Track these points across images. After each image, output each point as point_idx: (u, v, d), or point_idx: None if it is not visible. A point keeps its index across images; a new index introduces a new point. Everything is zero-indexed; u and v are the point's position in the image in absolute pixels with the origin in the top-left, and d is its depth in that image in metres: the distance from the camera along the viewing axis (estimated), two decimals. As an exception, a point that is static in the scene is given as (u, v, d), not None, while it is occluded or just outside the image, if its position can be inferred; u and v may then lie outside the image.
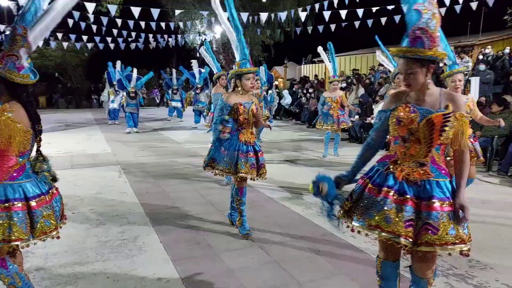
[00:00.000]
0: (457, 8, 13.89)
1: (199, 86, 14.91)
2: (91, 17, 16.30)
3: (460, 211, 2.32)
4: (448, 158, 2.96)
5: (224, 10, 4.49)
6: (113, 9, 15.99)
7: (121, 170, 7.83)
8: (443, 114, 2.29)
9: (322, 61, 24.72)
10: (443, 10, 13.81)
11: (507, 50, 12.69)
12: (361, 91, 13.28)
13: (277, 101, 13.12)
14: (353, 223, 2.53)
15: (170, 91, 17.32)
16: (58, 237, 2.67)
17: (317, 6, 16.33)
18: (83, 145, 11.04)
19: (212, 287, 3.42)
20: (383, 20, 15.87)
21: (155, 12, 15.87)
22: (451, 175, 2.44)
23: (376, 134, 2.62)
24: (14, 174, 2.55)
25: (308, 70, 25.76)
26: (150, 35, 20.86)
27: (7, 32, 19.91)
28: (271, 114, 11.31)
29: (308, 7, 17.18)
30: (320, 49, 9.34)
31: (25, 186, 2.56)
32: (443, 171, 2.40)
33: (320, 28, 18.00)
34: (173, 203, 5.70)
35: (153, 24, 17.93)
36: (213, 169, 4.45)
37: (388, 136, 2.65)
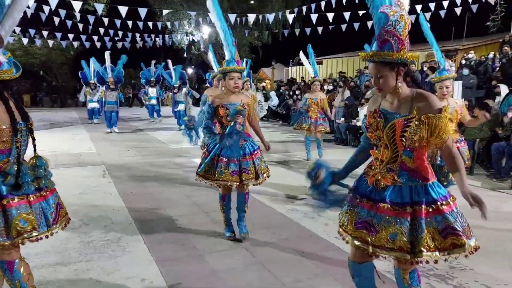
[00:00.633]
0: (442, 13, 14.09)
1: (176, 86, 14.89)
2: (78, 15, 16.16)
3: (473, 202, 2.31)
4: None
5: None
6: (100, 8, 15.88)
7: (106, 170, 7.79)
8: (405, 119, 2.27)
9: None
10: (428, 14, 13.99)
11: (491, 55, 12.89)
12: (347, 93, 13.37)
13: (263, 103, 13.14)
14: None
15: (147, 87, 17.01)
16: (37, 240, 2.56)
17: (304, 8, 16.43)
18: (67, 145, 10.94)
19: (196, 288, 3.42)
20: (370, 23, 16.00)
21: (143, 11, 15.80)
22: (429, 178, 2.37)
23: (366, 138, 2.64)
24: None
25: (295, 72, 25.88)
26: (137, 35, 20.76)
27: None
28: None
29: (296, 10, 17.25)
30: (301, 53, 9.39)
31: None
32: (416, 175, 2.35)
33: (308, 30, 18.10)
34: (158, 204, 5.68)
35: (140, 24, 17.85)
36: (207, 180, 4.19)
37: None
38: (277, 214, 5.35)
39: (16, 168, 2.60)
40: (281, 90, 19.39)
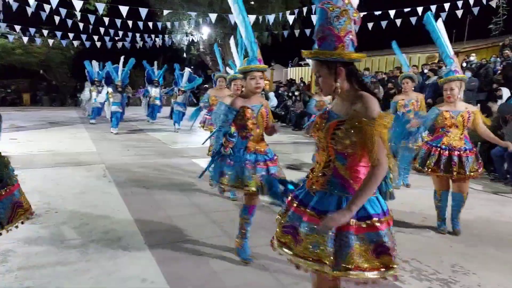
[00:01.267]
0: (443, 15, 14.10)
1: (182, 89, 14.61)
2: (78, 14, 16.15)
3: (324, 224, 2.03)
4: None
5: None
6: (101, 7, 15.87)
7: (106, 169, 7.76)
8: (338, 121, 2.14)
9: (308, 64, 24.88)
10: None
11: (493, 59, 12.90)
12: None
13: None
14: None
15: (150, 87, 16.84)
16: None
17: (304, 9, 16.43)
18: (67, 144, 10.91)
19: (197, 289, 3.40)
20: (370, 25, 16.04)
21: (143, 11, 15.79)
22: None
23: None
24: None
25: (294, 73, 25.87)
26: (137, 35, 20.75)
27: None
28: None
29: (296, 11, 17.26)
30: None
31: None
32: (346, 185, 2.17)
33: (308, 31, 18.10)
34: (158, 204, 5.66)
35: (140, 24, 17.83)
36: (222, 185, 3.83)
37: None
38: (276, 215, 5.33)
39: None
40: (280, 91, 19.38)
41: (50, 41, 21.38)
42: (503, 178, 7.42)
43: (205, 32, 23.68)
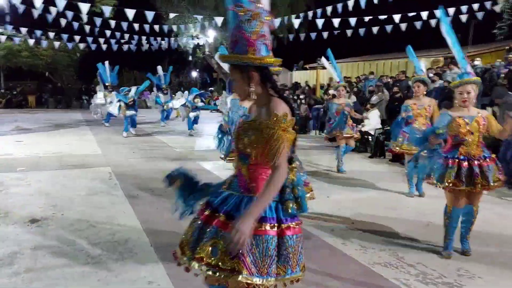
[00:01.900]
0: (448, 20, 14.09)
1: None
2: (85, 17, 16.24)
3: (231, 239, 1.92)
4: None
5: None
6: (107, 10, 15.95)
7: (112, 172, 7.79)
8: (244, 121, 2.19)
9: (313, 68, 24.91)
10: (433, 21, 14.02)
11: (497, 63, 12.88)
12: (353, 98, 13.38)
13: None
14: None
15: (160, 93, 16.99)
16: None
17: (310, 13, 16.46)
18: (73, 146, 10.97)
19: (203, 291, 3.41)
20: (375, 29, 16.06)
21: (150, 14, 15.85)
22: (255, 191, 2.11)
23: None
24: None
25: (299, 76, 25.87)
26: (143, 37, 20.83)
27: (1, 30, 19.64)
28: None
29: (302, 15, 17.27)
30: (323, 59, 9.03)
31: None
32: (245, 185, 2.14)
33: (313, 35, 18.13)
34: (164, 206, 5.67)
35: (146, 27, 17.90)
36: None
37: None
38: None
39: None
40: (285, 95, 19.38)
41: (56, 44, 21.49)
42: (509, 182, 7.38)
43: (211, 35, 23.73)
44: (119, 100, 13.88)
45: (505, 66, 12.11)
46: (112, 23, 17.23)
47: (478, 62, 13.56)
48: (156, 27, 18.69)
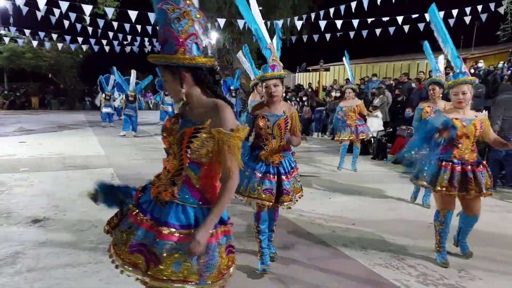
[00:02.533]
0: (451, 21, 14.09)
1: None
2: (88, 19, 16.31)
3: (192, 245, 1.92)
4: None
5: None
6: (110, 11, 16.00)
7: (114, 173, 7.82)
8: (194, 128, 2.01)
9: (316, 70, 24.95)
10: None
11: (500, 65, 12.87)
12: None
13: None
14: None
15: (162, 93, 17.19)
16: None
17: (313, 15, 16.48)
18: (75, 147, 11.01)
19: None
20: (378, 31, 16.06)
21: (152, 16, 15.89)
22: (211, 202, 2.07)
23: None
24: None
25: (302, 78, 25.91)
26: (146, 39, 20.89)
27: (2, 32, 19.75)
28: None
29: (304, 16, 17.29)
30: (344, 59, 8.89)
31: None
32: (199, 195, 2.06)
33: (316, 37, 18.14)
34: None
35: (149, 28, 17.96)
36: (237, 194, 3.63)
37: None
38: (283, 219, 5.35)
39: None
40: (287, 97, 19.41)
41: (59, 45, 21.56)
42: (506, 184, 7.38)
43: (214, 37, 23.78)
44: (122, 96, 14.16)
45: (509, 68, 12.11)
46: (115, 24, 17.29)
47: (481, 64, 13.56)
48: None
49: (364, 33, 16.35)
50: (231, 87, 16.51)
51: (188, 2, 1.96)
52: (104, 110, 16.83)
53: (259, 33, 3.74)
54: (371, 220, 5.38)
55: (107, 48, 20.58)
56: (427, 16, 14.12)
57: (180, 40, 1.95)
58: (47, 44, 21.64)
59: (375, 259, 4.15)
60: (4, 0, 17.95)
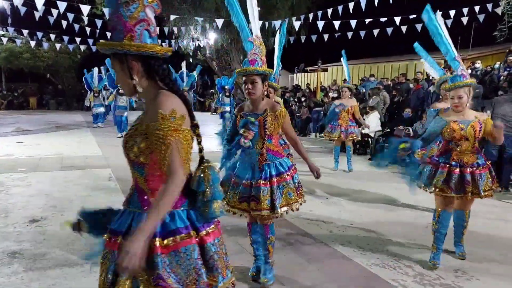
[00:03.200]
0: (448, 22, 14.11)
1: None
2: (86, 19, 16.28)
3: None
4: None
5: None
6: (108, 12, 15.98)
7: (112, 173, 7.81)
8: (134, 125, 1.91)
9: (314, 70, 24.95)
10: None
11: (497, 65, 12.89)
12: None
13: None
14: None
15: None
16: None
17: (311, 16, 16.48)
18: (73, 147, 11.00)
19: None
20: (376, 31, 16.07)
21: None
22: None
23: None
24: None
25: (300, 79, 25.93)
26: (144, 39, 20.87)
27: (0, 32, 19.71)
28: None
29: (302, 17, 17.30)
30: (342, 59, 8.89)
31: None
32: (143, 199, 1.87)
33: (314, 37, 18.14)
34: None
35: (147, 29, 17.94)
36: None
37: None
38: (282, 220, 5.36)
39: None
40: (285, 97, 19.43)
41: (57, 45, 21.53)
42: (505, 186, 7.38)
43: (212, 37, 23.77)
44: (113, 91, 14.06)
45: (505, 68, 12.13)
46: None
47: (478, 64, 13.59)
48: (157, 29, 18.75)
49: (362, 33, 16.35)
50: (226, 86, 16.50)
51: None
52: (96, 110, 16.52)
53: (241, 22, 3.39)
54: (369, 221, 5.39)
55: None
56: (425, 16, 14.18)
57: (128, 25, 1.77)
58: (45, 45, 21.56)
59: (372, 259, 4.16)
60: (2, 0, 17.92)
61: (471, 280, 3.74)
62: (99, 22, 16.99)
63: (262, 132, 3.32)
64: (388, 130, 10.96)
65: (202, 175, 1.86)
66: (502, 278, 3.82)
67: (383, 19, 15.07)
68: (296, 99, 18.13)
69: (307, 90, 19.80)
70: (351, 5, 14.37)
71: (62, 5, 13.62)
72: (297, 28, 17.65)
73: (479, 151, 4.00)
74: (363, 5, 13.84)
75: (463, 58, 14.69)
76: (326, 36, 17.44)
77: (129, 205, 1.90)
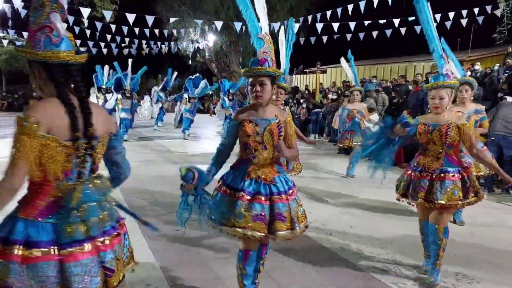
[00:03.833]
0: (448, 24, 14.13)
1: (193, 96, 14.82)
2: (86, 22, 16.31)
3: None
4: None
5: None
6: (108, 14, 16.01)
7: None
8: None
9: (313, 72, 24.94)
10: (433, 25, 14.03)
11: (496, 67, 12.91)
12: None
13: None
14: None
15: (162, 94, 17.23)
16: None
17: (310, 18, 16.52)
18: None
19: (200, 295, 3.41)
20: (375, 33, 16.10)
21: (150, 19, 15.91)
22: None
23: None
24: None
25: (299, 80, 25.93)
26: (144, 42, 20.92)
27: (1, 35, 19.67)
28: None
29: (301, 19, 17.33)
30: (342, 60, 8.63)
31: None
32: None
33: (312, 39, 18.18)
34: (163, 209, 5.69)
35: (147, 31, 17.98)
36: (223, 227, 2.87)
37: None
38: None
39: None
40: (284, 98, 19.42)
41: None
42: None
43: (211, 39, 23.82)
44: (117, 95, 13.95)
45: (505, 70, 12.14)
46: (113, 27, 17.30)
47: (478, 66, 13.59)
48: (157, 31, 18.76)
49: (361, 35, 16.39)
50: (230, 90, 16.38)
51: None
52: (107, 105, 16.17)
53: (251, 15, 2.99)
54: (369, 223, 5.39)
55: (105, 51, 20.59)
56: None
57: (31, 32, 1.77)
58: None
59: (372, 262, 4.15)
60: (3, 3, 17.92)
61: (472, 283, 3.73)
62: (99, 25, 17.04)
63: (275, 140, 2.90)
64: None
65: (71, 191, 1.84)
66: (503, 281, 3.81)
67: (382, 21, 15.10)
68: (295, 101, 18.13)
69: (306, 92, 19.80)
70: (350, 7, 14.40)
71: (62, 8, 13.64)
72: (296, 30, 17.66)
73: (451, 158, 3.61)
74: (362, 7, 13.87)
75: (462, 60, 14.78)
76: (325, 38, 17.48)
77: None
